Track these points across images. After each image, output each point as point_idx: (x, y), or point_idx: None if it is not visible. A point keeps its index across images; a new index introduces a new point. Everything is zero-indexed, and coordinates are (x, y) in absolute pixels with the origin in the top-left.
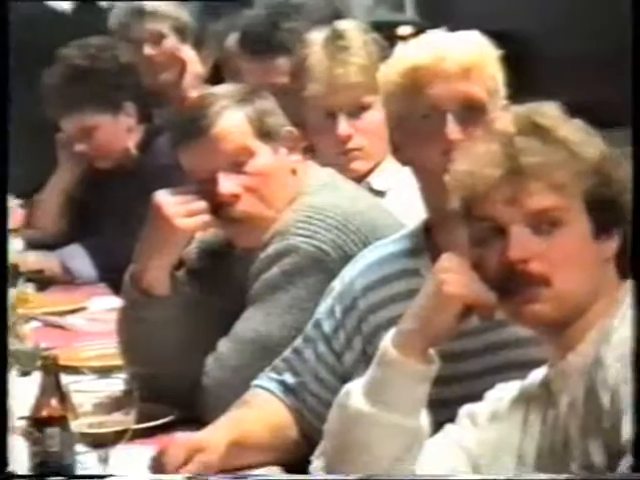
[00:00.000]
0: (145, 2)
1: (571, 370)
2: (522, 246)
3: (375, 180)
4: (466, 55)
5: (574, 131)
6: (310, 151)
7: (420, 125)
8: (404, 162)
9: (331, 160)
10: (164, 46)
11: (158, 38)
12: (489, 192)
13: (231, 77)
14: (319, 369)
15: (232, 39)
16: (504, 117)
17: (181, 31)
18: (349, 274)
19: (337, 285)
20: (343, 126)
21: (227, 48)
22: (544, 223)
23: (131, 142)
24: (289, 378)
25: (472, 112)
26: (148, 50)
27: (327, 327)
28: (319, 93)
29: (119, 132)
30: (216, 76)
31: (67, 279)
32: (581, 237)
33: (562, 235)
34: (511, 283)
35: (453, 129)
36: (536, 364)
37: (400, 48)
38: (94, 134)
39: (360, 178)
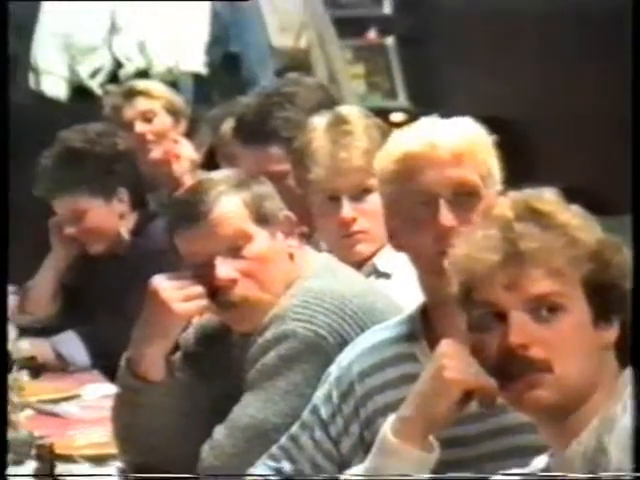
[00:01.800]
0: (137, 82)
1: (573, 458)
2: (522, 331)
3: (380, 262)
4: (458, 141)
5: (573, 217)
6: (308, 236)
7: (413, 212)
8: (399, 248)
9: (335, 243)
10: (155, 124)
11: (149, 116)
12: (488, 277)
13: (225, 163)
14: (316, 456)
15: (226, 125)
16: (502, 203)
17: (174, 112)
18: (346, 359)
19: (334, 370)
20: (347, 209)
21: (221, 134)
22: (544, 308)
23: (123, 227)
24: (286, 466)
25: (465, 198)
26: (139, 127)
27: (324, 413)
28: (322, 177)
29: (111, 217)
30: (210, 162)
31: (60, 366)
32: (581, 323)
33: (562, 321)
34: (511, 369)
35: (446, 215)
36: (537, 450)
37: (394, 135)
38: (85, 218)
39: (364, 261)
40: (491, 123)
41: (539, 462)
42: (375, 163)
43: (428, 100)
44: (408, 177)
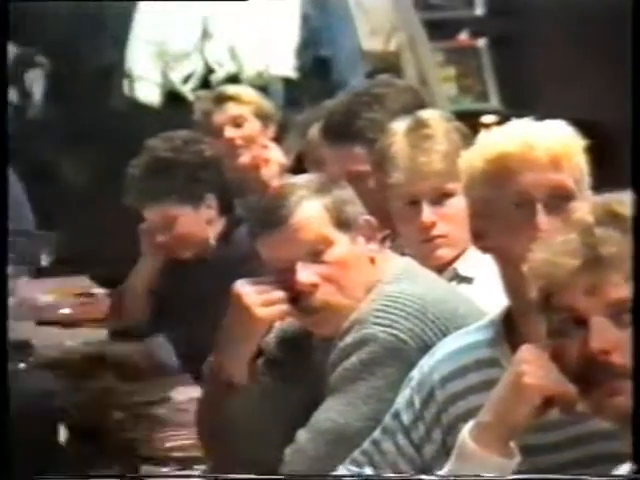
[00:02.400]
0: (228, 87)
1: None
2: (603, 337)
3: (461, 267)
4: (555, 144)
5: None
6: (389, 240)
7: (508, 213)
8: (486, 250)
9: (415, 248)
10: (245, 129)
11: (239, 121)
12: (568, 282)
13: (313, 168)
14: (398, 461)
15: (314, 130)
16: (582, 207)
17: (263, 117)
18: (428, 364)
19: (416, 375)
20: (427, 213)
21: (309, 138)
22: (624, 313)
23: (211, 233)
24: (368, 471)
25: (560, 202)
26: (229, 132)
27: (406, 418)
28: (402, 181)
29: (200, 223)
30: (299, 167)
31: (152, 370)
32: None
33: None
34: (592, 375)
35: (543, 219)
36: (620, 459)
37: (485, 135)
38: (175, 225)
39: (445, 265)
40: (583, 126)
41: (622, 471)
42: (462, 163)
43: (520, 102)
44: (503, 178)
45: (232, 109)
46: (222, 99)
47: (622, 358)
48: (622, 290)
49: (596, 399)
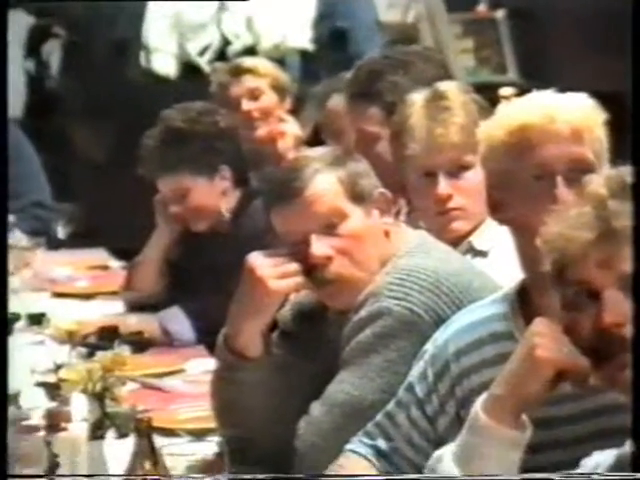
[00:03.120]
0: (244, 59)
1: None
2: (616, 310)
3: (477, 240)
4: (576, 117)
5: None
6: (403, 213)
7: (528, 185)
8: (504, 221)
9: (430, 220)
10: (262, 102)
11: (256, 94)
12: (581, 255)
13: (331, 139)
14: (412, 434)
15: (332, 101)
16: (596, 180)
17: (280, 89)
18: (442, 337)
19: (430, 348)
20: (443, 185)
21: (328, 110)
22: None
23: (226, 205)
24: (382, 443)
25: (580, 175)
26: (246, 105)
27: (420, 391)
28: (419, 152)
29: (214, 195)
30: (316, 139)
31: (166, 341)
32: None
33: None
34: (605, 348)
35: (563, 192)
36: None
37: (505, 106)
38: (189, 196)
39: (460, 239)
40: (604, 99)
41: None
42: (482, 134)
43: (539, 75)
44: (523, 150)
45: (249, 81)
46: (239, 71)
47: (636, 331)
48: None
49: (609, 372)
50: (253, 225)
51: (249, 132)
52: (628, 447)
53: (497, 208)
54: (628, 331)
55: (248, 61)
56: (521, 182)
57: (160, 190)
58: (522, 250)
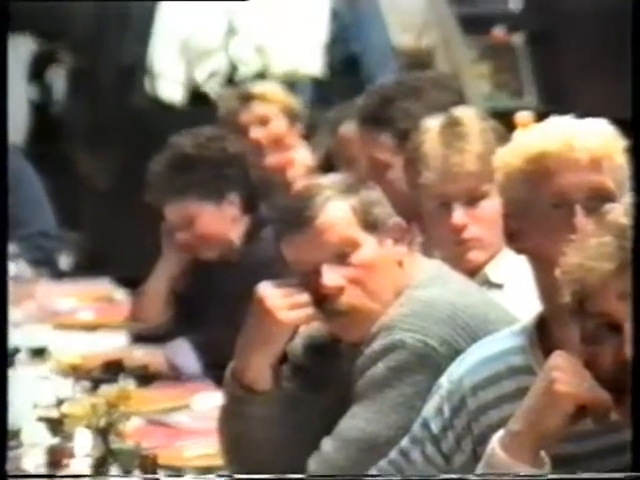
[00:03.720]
0: (254, 85)
1: None
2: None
3: (492, 272)
4: (596, 144)
5: None
6: (418, 242)
7: (546, 214)
8: (521, 251)
9: (446, 250)
10: (271, 129)
11: (265, 120)
12: (602, 286)
13: (343, 166)
14: (427, 472)
15: (345, 127)
16: (617, 209)
17: (290, 116)
18: (457, 371)
19: (445, 383)
20: (458, 215)
21: (340, 136)
22: None
23: (235, 233)
24: None
25: (599, 203)
26: (255, 132)
27: (435, 427)
28: (434, 181)
29: (222, 222)
30: (328, 165)
31: (173, 375)
32: None
33: None
34: (627, 382)
35: (582, 221)
36: None
37: (522, 133)
38: (196, 223)
39: (476, 269)
40: (624, 126)
41: None
42: (498, 161)
43: (557, 100)
44: (542, 178)
45: (258, 108)
46: (248, 97)
47: None
48: None
49: (630, 407)
50: (263, 254)
51: (258, 159)
52: None
53: (514, 237)
54: None
55: (257, 87)
56: (539, 211)
57: (167, 217)
58: (541, 281)
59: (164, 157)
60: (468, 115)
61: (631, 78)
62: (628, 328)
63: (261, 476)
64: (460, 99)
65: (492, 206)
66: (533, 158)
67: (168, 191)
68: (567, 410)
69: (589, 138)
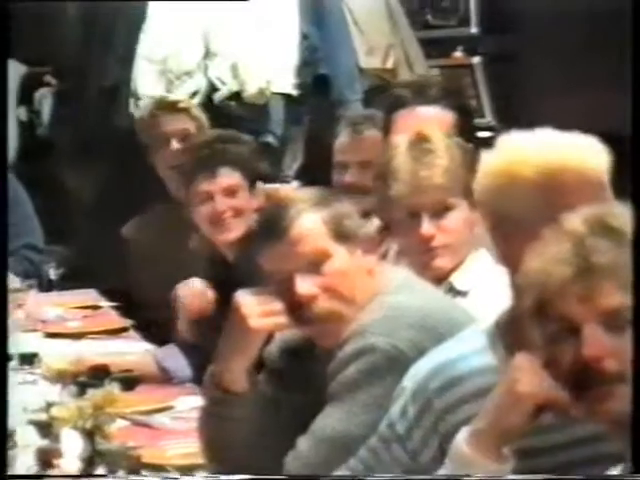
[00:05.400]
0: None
1: None
2: (596, 344)
3: (457, 280)
4: (550, 158)
5: None
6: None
7: (511, 223)
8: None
9: (413, 259)
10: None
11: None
12: (561, 290)
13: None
14: (394, 471)
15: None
16: (574, 217)
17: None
18: (421, 373)
19: (409, 384)
20: (427, 226)
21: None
22: (617, 321)
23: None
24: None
25: (555, 213)
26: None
27: (401, 428)
28: (404, 193)
29: None
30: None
31: (161, 378)
32: None
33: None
34: (584, 381)
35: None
36: (614, 460)
37: (488, 153)
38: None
39: (442, 277)
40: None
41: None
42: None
43: (515, 118)
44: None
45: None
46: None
47: (614, 364)
48: (615, 298)
49: (588, 404)
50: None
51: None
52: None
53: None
54: (608, 364)
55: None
56: (497, 221)
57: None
58: (510, 284)
59: None
60: (435, 132)
61: (631, 85)
62: (587, 330)
63: (244, 476)
64: None
65: (458, 217)
66: (499, 172)
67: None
68: (527, 409)
69: (540, 153)
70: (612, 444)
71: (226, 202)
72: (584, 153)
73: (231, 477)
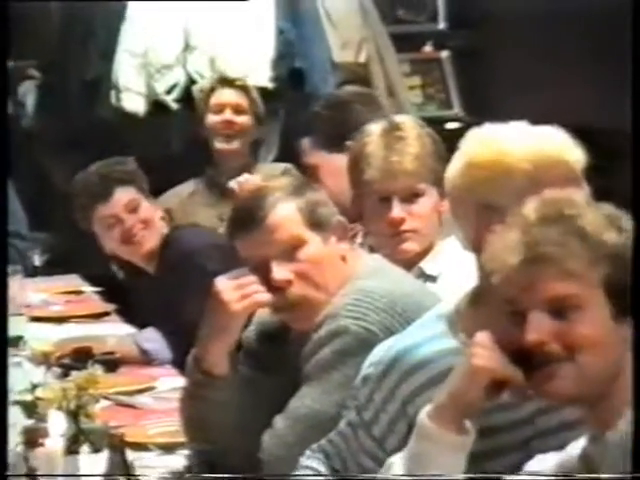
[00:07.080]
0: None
1: (611, 446)
2: (539, 330)
3: (427, 265)
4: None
5: (595, 219)
6: (359, 237)
7: (477, 212)
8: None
9: (383, 242)
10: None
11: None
12: (507, 277)
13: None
14: (361, 456)
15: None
16: (529, 204)
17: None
18: (385, 359)
19: (373, 371)
20: (397, 210)
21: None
22: (561, 308)
23: None
24: (336, 463)
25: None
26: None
27: (366, 414)
28: (375, 178)
29: None
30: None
31: (141, 360)
32: (600, 320)
33: (581, 318)
34: (532, 361)
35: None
36: (572, 427)
37: (470, 143)
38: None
39: (411, 261)
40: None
41: (575, 447)
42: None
43: (481, 110)
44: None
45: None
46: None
47: (559, 347)
48: (558, 287)
49: (537, 382)
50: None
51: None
52: (569, 452)
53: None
54: (551, 347)
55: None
56: (473, 210)
57: None
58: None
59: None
60: (407, 121)
61: (631, 83)
62: (531, 316)
63: (232, 475)
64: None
65: (428, 203)
66: (487, 163)
67: None
68: (483, 382)
69: (510, 143)
70: (568, 411)
71: (132, 218)
72: (563, 145)
73: (220, 476)
